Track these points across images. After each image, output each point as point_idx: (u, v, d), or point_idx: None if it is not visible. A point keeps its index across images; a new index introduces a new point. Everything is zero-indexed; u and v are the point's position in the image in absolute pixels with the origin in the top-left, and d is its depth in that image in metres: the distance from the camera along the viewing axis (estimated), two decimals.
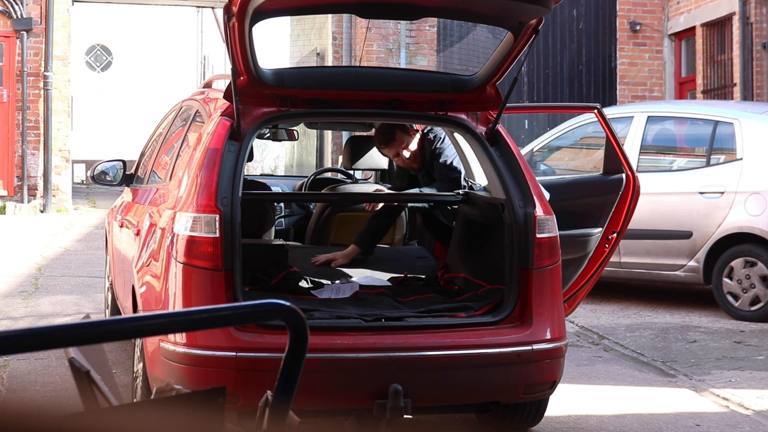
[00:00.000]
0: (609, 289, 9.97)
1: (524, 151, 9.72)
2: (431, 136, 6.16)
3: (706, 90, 16.02)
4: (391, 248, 6.61)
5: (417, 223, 6.84)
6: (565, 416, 5.83)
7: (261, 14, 4.65)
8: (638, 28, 17.32)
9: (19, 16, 16.11)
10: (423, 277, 5.97)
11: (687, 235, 9.07)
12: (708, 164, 9.30)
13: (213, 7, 21.54)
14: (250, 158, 5.66)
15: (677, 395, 6.40)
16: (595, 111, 6.08)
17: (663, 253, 9.22)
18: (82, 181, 25.03)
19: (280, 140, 7.87)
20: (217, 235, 4.66)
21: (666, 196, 9.29)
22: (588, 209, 6.08)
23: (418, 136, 6.16)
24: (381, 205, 6.42)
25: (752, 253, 8.80)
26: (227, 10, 4.54)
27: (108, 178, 7.01)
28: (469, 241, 5.72)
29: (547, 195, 5.35)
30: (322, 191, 6.85)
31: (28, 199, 16.20)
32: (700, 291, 10.06)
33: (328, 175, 8.05)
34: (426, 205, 6.33)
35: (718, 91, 15.75)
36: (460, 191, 5.82)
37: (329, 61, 17.77)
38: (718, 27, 15.87)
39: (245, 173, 5.17)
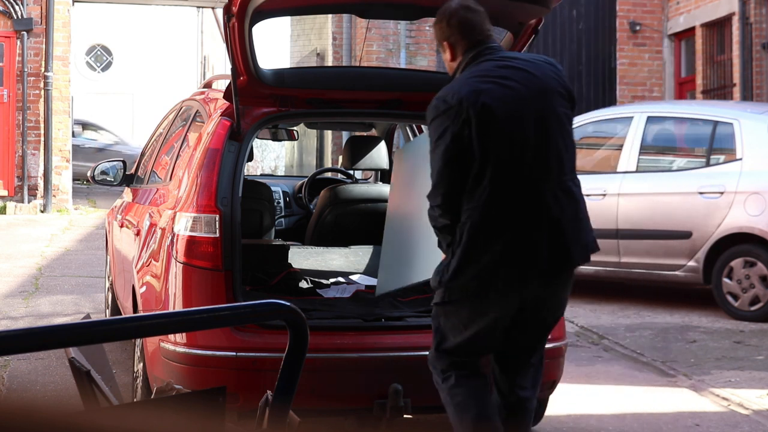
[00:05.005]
0: (609, 289, 9.97)
1: None
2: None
3: (705, 90, 16.02)
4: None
5: None
6: (565, 416, 5.83)
7: (261, 14, 4.65)
8: (638, 28, 17.31)
9: (20, 17, 16.10)
10: None
11: (687, 235, 9.07)
12: (708, 164, 9.29)
13: (213, 7, 21.54)
14: (250, 158, 5.66)
15: (677, 395, 6.40)
16: None
17: (663, 253, 9.22)
18: (83, 181, 24.99)
19: (280, 140, 7.86)
20: (217, 235, 4.66)
21: (666, 196, 9.28)
22: None
23: None
24: None
25: (752, 253, 8.80)
26: (227, 10, 4.54)
27: (108, 178, 7.01)
28: None
29: None
30: (322, 192, 6.85)
31: (29, 199, 16.20)
32: (699, 291, 10.05)
33: (328, 175, 8.04)
34: None
35: (718, 91, 15.75)
36: None
37: (329, 61, 17.76)
38: (718, 27, 15.87)
39: (245, 173, 5.18)
